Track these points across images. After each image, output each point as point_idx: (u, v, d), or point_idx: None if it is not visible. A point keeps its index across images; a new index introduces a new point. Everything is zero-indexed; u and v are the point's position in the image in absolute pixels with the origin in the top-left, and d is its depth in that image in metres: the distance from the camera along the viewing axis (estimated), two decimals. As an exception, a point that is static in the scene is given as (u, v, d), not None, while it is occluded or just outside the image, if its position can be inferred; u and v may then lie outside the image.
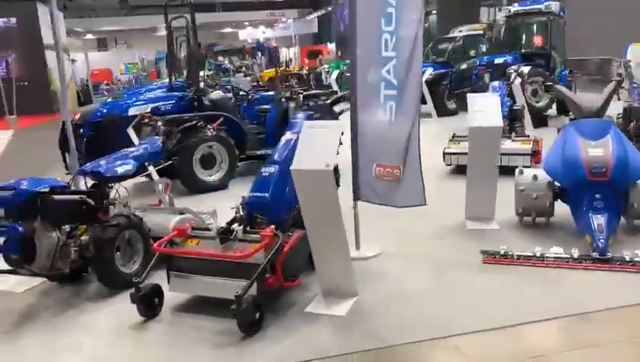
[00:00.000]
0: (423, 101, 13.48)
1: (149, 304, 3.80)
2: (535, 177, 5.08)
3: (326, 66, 20.58)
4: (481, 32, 15.80)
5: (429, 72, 13.73)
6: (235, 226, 3.98)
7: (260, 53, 29.10)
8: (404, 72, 4.27)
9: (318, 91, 9.23)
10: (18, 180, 4.03)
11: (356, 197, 4.75)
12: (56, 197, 4.00)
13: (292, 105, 7.75)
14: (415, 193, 4.42)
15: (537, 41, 11.86)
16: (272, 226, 3.87)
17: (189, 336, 3.58)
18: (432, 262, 4.57)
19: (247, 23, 41.56)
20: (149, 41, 41.92)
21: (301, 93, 8.30)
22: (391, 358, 3.26)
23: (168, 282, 3.94)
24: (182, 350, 3.44)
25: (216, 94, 8.10)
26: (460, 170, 7.20)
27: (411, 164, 4.37)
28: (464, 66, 11.43)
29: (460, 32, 20.51)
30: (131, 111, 7.22)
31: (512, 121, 8.61)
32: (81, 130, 6.95)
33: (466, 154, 5.96)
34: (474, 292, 3.97)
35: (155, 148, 4.94)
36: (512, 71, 10.26)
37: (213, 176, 7.36)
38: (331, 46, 36.93)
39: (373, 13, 4.34)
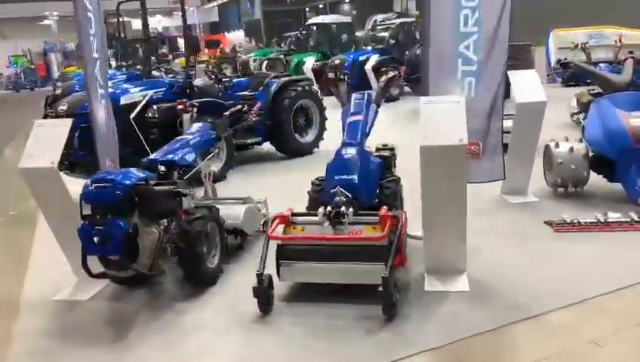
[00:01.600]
0: (368, 87, 13.79)
1: (269, 297, 3.55)
2: (572, 149, 5.34)
3: (253, 54, 20.35)
4: (413, 19, 16.31)
5: (374, 58, 13.97)
6: (343, 209, 3.80)
7: (160, 43, 28.06)
8: (487, 47, 4.29)
9: (301, 77, 9.05)
10: (106, 172, 3.57)
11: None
12: (154, 189, 3.58)
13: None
14: (495, 168, 4.50)
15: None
16: (385, 207, 3.77)
17: (327, 325, 3.39)
18: (504, 236, 4.65)
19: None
20: (28, 30, 38.62)
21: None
22: (551, 323, 3.28)
23: (278, 272, 3.69)
24: (333, 339, 3.24)
25: (202, 81, 7.69)
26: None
27: (492, 139, 4.43)
28: (418, 52, 11.70)
29: (376, 21, 21.16)
30: (123, 100, 6.64)
31: None
32: (75, 121, 6.25)
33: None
34: (575, 258, 4.12)
35: (209, 135, 4.60)
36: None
37: (212, 168, 6.96)
38: (234, 35, 36.27)
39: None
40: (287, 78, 8.29)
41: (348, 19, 19.08)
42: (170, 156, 4.09)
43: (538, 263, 4.11)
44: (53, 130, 3.88)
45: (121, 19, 12.50)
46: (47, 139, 3.82)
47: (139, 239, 3.43)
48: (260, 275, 3.46)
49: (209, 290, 3.96)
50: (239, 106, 5.06)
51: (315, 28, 18.61)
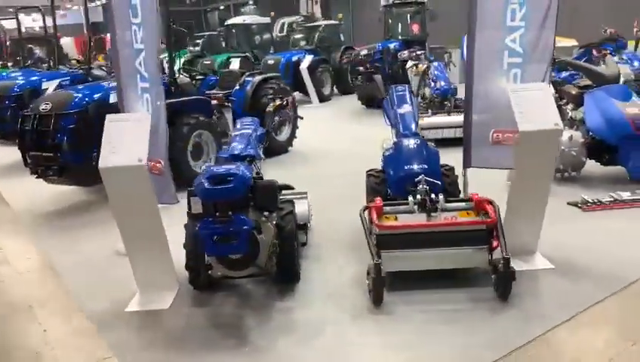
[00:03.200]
0: (303, 88, 13.88)
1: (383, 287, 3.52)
2: (571, 137, 5.82)
3: (164, 55, 19.62)
4: (337, 22, 16.63)
5: (309, 59, 14.06)
6: (434, 196, 3.86)
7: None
8: (534, 40, 4.54)
9: (273, 74, 8.91)
10: (221, 168, 3.32)
11: (466, 164, 4.90)
12: (269, 183, 3.40)
13: None
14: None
15: (415, 28, 13.01)
16: (476, 193, 3.90)
17: (448, 309, 3.45)
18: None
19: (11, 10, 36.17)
20: None
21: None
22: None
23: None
24: (465, 321, 3.30)
25: (181, 79, 7.33)
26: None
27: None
28: (365, 51, 11.97)
29: (284, 24, 21.37)
30: (112, 98, 6.16)
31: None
32: (64, 121, 5.71)
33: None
34: (621, 232, 4.51)
35: (262, 129, 4.42)
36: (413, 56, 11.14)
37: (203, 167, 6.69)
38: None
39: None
40: (262, 76, 8.15)
41: (267, 20, 18.98)
42: (250, 151, 3.91)
43: (594, 238, 4.43)
44: (130, 125, 3.55)
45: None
46: (125, 135, 3.49)
47: (259, 236, 3.25)
48: (378, 265, 3.42)
49: (297, 287, 3.84)
50: (279, 102, 4.90)
51: (233, 29, 18.28)
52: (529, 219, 4.00)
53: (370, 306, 3.51)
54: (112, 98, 6.14)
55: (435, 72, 9.12)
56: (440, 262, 3.69)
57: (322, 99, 14.22)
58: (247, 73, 8.14)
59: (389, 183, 4.38)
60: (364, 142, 8.83)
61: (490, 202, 3.79)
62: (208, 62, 16.07)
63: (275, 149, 8.07)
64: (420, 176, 4.01)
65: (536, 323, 3.23)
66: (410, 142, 4.36)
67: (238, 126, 4.48)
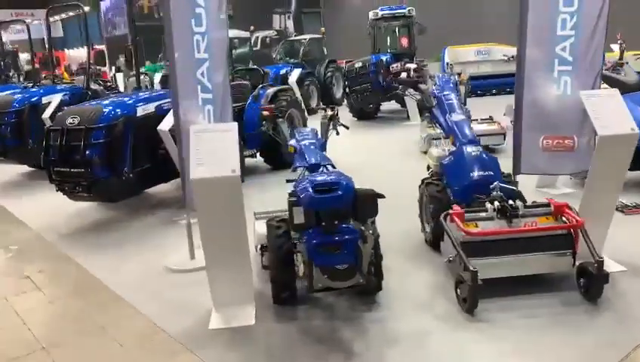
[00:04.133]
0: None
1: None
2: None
3: (142, 69, 19.37)
4: (320, 36, 16.71)
5: (297, 72, 14.05)
6: (512, 203, 3.89)
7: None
8: (585, 48, 4.67)
9: (285, 86, 8.85)
10: (324, 175, 3.24)
11: (516, 171, 4.97)
12: (371, 192, 3.34)
13: None
14: (587, 159, 4.88)
15: (404, 42, 13.18)
16: (552, 199, 3.95)
17: (538, 316, 3.45)
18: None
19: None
20: None
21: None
22: None
23: (467, 269, 3.65)
24: (569, 327, 3.31)
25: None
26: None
27: (586, 133, 4.81)
28: (359, 64, 12.03)
29: (257, 37, 21.38)
30: (139, 112, 5.99)
31: None
32: (94, 135, 5.50)
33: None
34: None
35: (321, 140, 4.36)
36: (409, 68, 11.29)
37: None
38: (77, 52, 33.84)
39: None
40: (275, 88, 8.09)
41: (247, 34, 18.92)
42: (328, 161, 3.87)
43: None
44: (217, 135, 3.44)
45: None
46: (213, 146, 3.38)
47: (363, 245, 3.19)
48: (475, 273, 3.40)
49: (378, 297, 3.78)
50: (330, 112, 4.85)
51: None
52: (599, 222, 4.07)
53: (464, 314, 3.49)
54: (140, 111, 5.99)
55: (439, 81, 9.23)
56: (526, 268, 3.71)
57: (309, 112, 14.21)
58: (259, 86, 8.05)
59: (452, 191, 4.38)
60: (375, 153, 8.97)
61: (569, 207, 3.84)
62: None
63: (287, 162, 7.99)
64: (495, 183, 4.04)
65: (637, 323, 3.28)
66: (473, 150, 4.38)
67: (298, 137, 4.41)
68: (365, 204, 3.24)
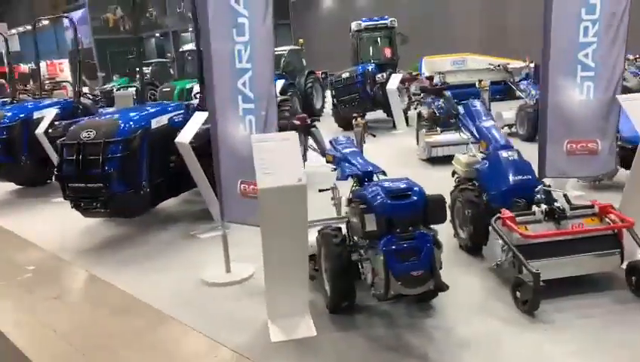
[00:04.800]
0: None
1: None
2: (607, 148, 6.18)
3: (114, 83, 19.18)
4: (299, 48, 16.75)
5: (280, 83, 14.01)
6: (559, 205, 3.97)
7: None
8: (606, 54, 4.82)
9: (283, 97, 8.82)
10: (397, 181, 3.23)
11: (541, 175, 5.07)
12: (436, 197, 3.34)
13: None
14: (610, 161, 5.03)
15: (387, 52, 13.35)
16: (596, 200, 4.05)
17: (594, 316, 3.53)
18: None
19: None
20: None
21: None
22: None
23: (521, 272, 3.70)
24: (626, 325, 3.39)
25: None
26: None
27: (609, 136, 4.96)
28: (346, 75, 12.11)
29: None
30: (153, 124, 5.87)
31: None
32: (112, 149, 5.35)
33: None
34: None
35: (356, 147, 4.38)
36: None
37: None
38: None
39: (573, 4, 4.78)
40: (278, 99, 8.04)
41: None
42: (379, 169, 3.89)
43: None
44: (279, 144, 3.40)
45: None
46: (276, 156, 3.34)
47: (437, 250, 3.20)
48: (538, 275, 3.45)
49: (433, 303, 3.78)
50: (361, 120, 4.86)
51: (188, 55, 17.94)
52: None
53: (525, 316, 3.53)
54: (154, 124, 5.87)
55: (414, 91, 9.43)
56: (579, 268, 3.79)
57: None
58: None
59: (489, 196, 4.44)
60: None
61: (613, 207, 3.94)
62: (167, 89, 15.66)
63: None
64: (540, 186, 4.12)
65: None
66: (509, 154, 4.45)
67: (337, 146, 4.41)
68: (435, 209, 3.26)
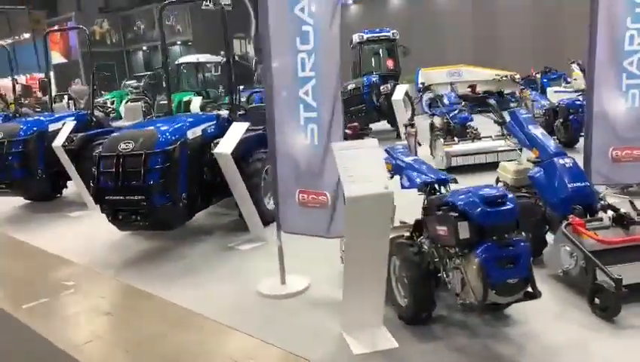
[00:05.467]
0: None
1: (619, 300, 3.54)
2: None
3: (107, 96, 19.01)
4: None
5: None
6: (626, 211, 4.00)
7: None
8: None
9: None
10: (492, 189, 3.20)
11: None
12: (527, 203, 3.33)
13: None
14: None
15: (390, 64, 13.43)
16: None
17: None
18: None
19: None
20: None
21: None
22: None
23: (596, 278, 3.69)
24: None
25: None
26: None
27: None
28: (352, 85, 12.13)
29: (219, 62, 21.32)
30: (189, 135, 5.77)
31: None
32: (152, 161, 5.23)
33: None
34: None
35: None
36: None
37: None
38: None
39: (618, 14, 4.85)
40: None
41: (219, 59, 18.75)
42: (450, 175, 3.87)
43: None
44: (362, 152, 3.34)
45: None
46: (360, 163, 3.29)
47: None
48: (619, 280, 3.45)
49: (507, 311, 3.73)
50: (413, 130, 4.84)
51: (184, 68, 17.82)
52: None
53: (607, 322, 3.51)
54: (190, 135, 5.77)
55: (448, 101, 9.48)
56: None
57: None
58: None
59: (547, 203, 4.44)
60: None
61: (681, 213, 3.98)
62: (165, 102, 15.52)
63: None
64: (602, 193, 4.14)
65: None
66: (565, 162, 4.46)
67: (394, 154, 4.37)
68: (526, 215, 3.24)
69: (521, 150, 4.91)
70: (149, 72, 21.08)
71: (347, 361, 3.35)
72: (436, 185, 3.79)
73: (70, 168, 7.51)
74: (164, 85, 17.37)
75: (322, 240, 4.35)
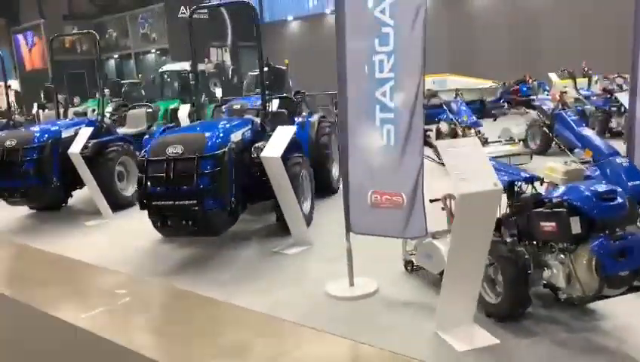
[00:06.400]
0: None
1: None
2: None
3: (87, 105, 18.59)
4: (284, 67, 16.78)
5: (275, 103, 13.93)
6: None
7: None
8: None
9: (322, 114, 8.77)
10: (603, 184, 3.28)
11: None
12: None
13: None
14: None
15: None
16: None
17: None
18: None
19: None
20: None
21: None
22: None
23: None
24: None
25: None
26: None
27: None
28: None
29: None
30: (233, 139, 5.70)
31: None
32: (203, 165, 5.14)
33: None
34: None
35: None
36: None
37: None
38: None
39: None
40: (318, 115, 8.03)
41: (203, 67, 18.61)
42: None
43: None
44: (466, 150, 3.38)
45: None
46: (465, 161, 3.32)
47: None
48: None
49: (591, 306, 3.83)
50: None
51: (167, 76, 17.60)
52: None
53: None
54: (233, 138, 5.70)
55: (456, 107, 9.66)
56: None
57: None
58: (307, 113, 7.97)
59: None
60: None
61: None
62: (150, 110, 15.29)
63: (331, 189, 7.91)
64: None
65: None
66: (622, 161, 4.62)
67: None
68: (633, 210, 3.34)
69: (571, 150, 5.06)
70: (129, 81, 20.67)
71: (455, 359, 3.35)
72: (522, 184, 3.86)
73: (87, 175, 7.30)
74: (161, 92, 17.30)
75: (378, 243, 4.44)
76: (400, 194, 4.17)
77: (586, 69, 12.46)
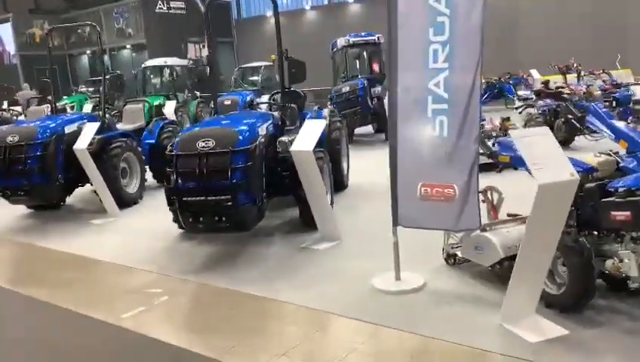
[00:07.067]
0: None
1: None
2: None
3: (66, 100, 18.11)
4: (271, 63, 16.59)
5: (264, 99, 13.80)
6: None
7: None
8: None
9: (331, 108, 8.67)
10: None
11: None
12: None
13: None
14: None
15: (375, 67, 13.56)
16: None
17: None
18: None
19: None
20: None
21: None
22: None
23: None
24: None
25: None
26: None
27: None
28: (347, 88, 12.10)
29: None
30: (261, 132, 5.56)
31: None
32: (236, 159, 5.00)
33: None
34: None
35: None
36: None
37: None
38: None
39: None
40: (327, 110, 7.97)
41: (185, 62, 18.25)
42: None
43: None
44: (538, 139, 3.35)
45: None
46: (542, 150, 3.29)
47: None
48: None
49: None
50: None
51: (150, 72, 17.20)
52: None
53: None
54: (261, 132, 5.57)
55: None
56: None
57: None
58: (314, 108, 7.87)
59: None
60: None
61: None
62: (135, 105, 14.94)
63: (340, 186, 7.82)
64: None
65: None
66: (659, 154, 4.67)
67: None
68: None
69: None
70: (107, 76, 20.13)
71: (531, 351, 3.32)
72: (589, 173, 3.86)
73: (94, 172, 7.05)
74: (171, 89, 16.91)
75: (417, 236, 4.45)
76: (452, 186, 4.11)
77: (575, 65, 12.73)
